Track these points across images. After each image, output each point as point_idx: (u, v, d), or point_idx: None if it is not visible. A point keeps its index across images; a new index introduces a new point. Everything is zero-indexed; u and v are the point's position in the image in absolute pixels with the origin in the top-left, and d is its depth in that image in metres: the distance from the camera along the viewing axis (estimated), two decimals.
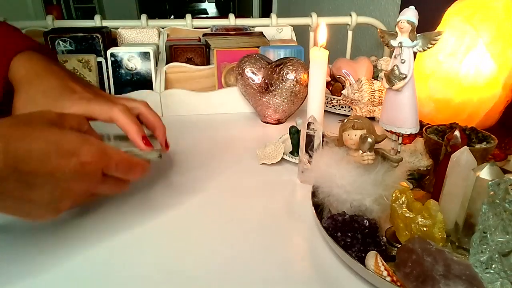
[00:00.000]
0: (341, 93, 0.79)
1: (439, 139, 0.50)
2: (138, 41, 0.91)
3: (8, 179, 0.32)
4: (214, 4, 8.93)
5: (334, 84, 0.87)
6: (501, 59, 0.61)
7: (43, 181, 0.35)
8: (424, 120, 0.66)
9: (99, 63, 0.79)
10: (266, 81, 0.73)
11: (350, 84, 0.78)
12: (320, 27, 0.55)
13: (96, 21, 0.96)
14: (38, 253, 0.41)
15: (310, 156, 0.52)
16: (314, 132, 0.52)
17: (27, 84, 0.46)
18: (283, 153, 0.60)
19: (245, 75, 0.75)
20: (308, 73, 0.61)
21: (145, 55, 0.79)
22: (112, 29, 0.90)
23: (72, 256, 0.41)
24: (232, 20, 1.02)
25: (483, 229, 0.35)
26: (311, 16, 1.06)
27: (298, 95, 0.73)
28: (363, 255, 0.38)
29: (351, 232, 0.39)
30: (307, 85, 0.62)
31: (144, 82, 0.80)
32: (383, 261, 0.36)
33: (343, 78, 0.86)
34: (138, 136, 0.47)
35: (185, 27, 1.00)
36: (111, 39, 0.87)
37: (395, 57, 0.48)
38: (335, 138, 0.48)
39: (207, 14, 7.67)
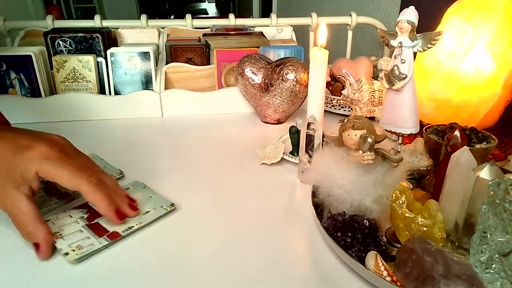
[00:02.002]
0: (341, 93, 0.79)
1: (439, 139, 0.50)
2: (138, 41, 0.91)
3: None
4: (214, 4, 8.94)
5: (334, 84, 0.87)
6: (501, 59, 0.61)
7: None
8: (424, 120, 0.66)
9: (99, 63, 0.79)
10: (266, 81, 0.73)
11: (350, 84, 0.78)
12: (320, 27, 0.55)
13: (96, 21, 0.96)
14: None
15: (310, 156, 0.52)
16: (314, 132, 0.52)
17: None
18: (283, 153, 0.60)
19: (245, 75, 0.75)
20: (308, 73, 0.61)
21: (145, 55, 0.79)
22: (112, 29, 0.90)
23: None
24: (232, 20, 1.02)
25: (483, 229, 0.35)
26: (311, 16, 1.06)
27: (298, 95, 0.73)
28: (363, 255, 0.38)
29: (351, 232, 0.39)
30: (307, 85, 0.62)
31: (144, 82, 0.80)
32: (383, 261, 0.36)
33: (343, 78, 0.86)
34: (109, 210, 0.43)
35: (185, 27, 1.00)
36: (111, 39, 0.87)
37: (395, 57, 0.48)
38: (335, 138, 0.48)
39: (207, 14, 7.67)
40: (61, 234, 0.43)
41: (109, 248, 0.42)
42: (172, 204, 0.49)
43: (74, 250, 0.41)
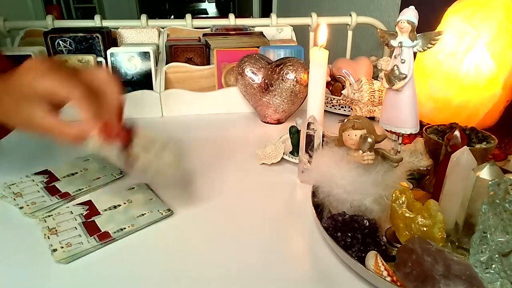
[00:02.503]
0: (341, 93, 0.79)
1: (439, 139, 0.50)
2: (138, 41, 0.91)
3: None
4: (214, 4, 8.93)
5: (334, 84, 0.87)
6: (501, 59, 0.61)
7: None
8: (424, 120, 0.66)
9: (99, 63, 0.79)
10: (266, 81, 0.73)
11: (350, 84, 0.78)
12: (321, 27, 0.55)
13: (96, 21, 0.96)
14: (37, 254, 0.41)
15: (310, 156, 0.52)
16: (314, 132, 0.52)
17: None
18: (283, 153, 0.60)
19: (245, 75, 0.75)
20: (308, 73, 0.61)
21: (145, 55, 0.79)
22: (112, 29, 0.89)
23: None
24: (232, 20, 1.02)
25: (483, 229, 0.35)
26: (311, 16, 1.06)
27: (298, 95, 0.73)
28: (363, 255, 0.38)
29: (351, 232, 0.39)
30: (307, 85, 0.62)
31: (144, 82, 0.80)
32: (383, 261, 0.36)
33: (343, 78, 0.86)
34: (93, 124, 0.41)
35: (185, 27, 1.00)
36: (111, 39, 0.87)
37: (395, 57, 0.48)
38: (335, 138, 0.48)
39: (207, 14, 7.67)
40: (56, 230, 0.44)
41: (99, 250, 0.42)
42: (169, 209, 0.48)
43: (62, 247, 0.41)
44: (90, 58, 0.77)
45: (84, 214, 0.47)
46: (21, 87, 0.41)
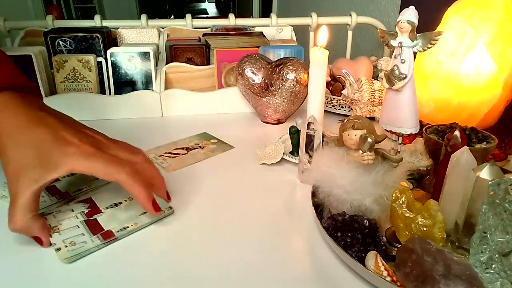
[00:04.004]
0: (341, 93, 0.79)
1: (439, 139, 0.50)
2: (138, 41, 0.91)
3: None
4: (214, 4, 8.94)
5: (334, 84, 0.87)
6: (501, 59, 0.61)
7: None
8: (424, 120, 0.66)
9: (99, 63, 0.79)
10: (266, 81, 0.73)
11: (350, 84, 0.78)
12: (321, 30, 0.55)
13: (96, 21, 0.96)
14: (38, 255, 0.41)
15: (310, 156, 0.52)
16: (314, 132, 0.52)
17: (10, 140, 0.40)
18: (283, 153, 0.60)
19: (245, 75, 0.75)
20: (308, 73, 0.61)
21: (145, 55, 0.79)
22: (112, 29, 0.90)
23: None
24: (232, 20, 1.02)
25: (483, 229, 0.35)
26: (311, 16, 1.06)
27: (298, 95, 0.73)
28: (363, 255, 0.38)
29: (351, 232, 0.39)
30: (307, 85, 0.62)
31: (144, 82, 0.80)
32: (383, 261, 0.36)
33: (343, 78, 0.86)
34: (148, 202, 0.43)
35: (185, 27, 1.00)
36: (111, 39, 0.87)
37: (395, 57, 0.48)
38: (335, 138, 0.48)
39: (207, 14, 7.67)
40: (58, 228, 0.44)
41: (108, 249, 0.42)
42: (170, 207, 0.49)
43: (66, 246, 0.41)
44: (90, 58, 0.77)
45: (85, 212, 0.47)
46: (53, 155, 0.39)
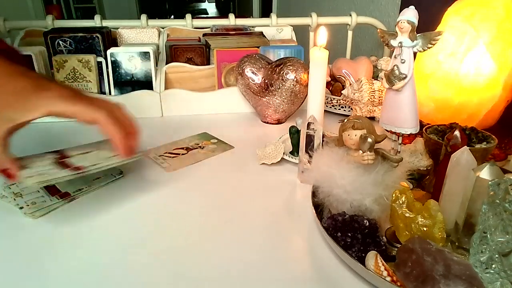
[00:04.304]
0: (341, 93, 0.79)
1: (439, 139, 0.50)
2: (138, 41, 0.91)
3: None
4: (214, 4, 8.94)
5: (334, 84, 0.87)
6: (501, 59, 0.61)
7: None
8: (424, 120, 0.66)
9: (99, 63, 0.79)
10: (266, 81, 0.73)
11: (350, 84, 0.78)
12: (320, 31, 0.55)
13: (96, 21, 0.96)
14: (41, 255, 0.41)
15: (310, 156, 0.52)
16: (314, 132, 0.52)
17: None
18: (283, 153, 0.60)
19: (245, 75, 0.75)
20: (308, 73, 0.61)
21: (145, 55, 0.79)
22: (112, 29, 0.90)
23: (72, 258, 0.41)
24: (232, 20, 1.02)
25: (483, 229, 0.35)
26: (311, 16, 1.06)
27: (298, 95, 0.73)
28: (363, 255, 0.38)
29: (351, 232, 0.39)
30: (307, 85, 0.62)
31: (144, 82, 0.80)
32: (383, 261, 0.36)
33: (343, 78, 0.86)
34: (121, 142, 0.47)
35: (185, 27, 1.00)
36: (111, 39, 0.87)
37: (395, 57, 0.48)
38: (335, 138, 0.48)
39: (207, 14, 7.66)
40: (21, 195, 0.50)
41: (108, 249, 0.42)
42: (121, 172, 0.55)
43: (28, 205, 0.47)
44: (90, 58, 0.77)
45: (56, 157, 0.51)
46: (32, 99, 0.43)
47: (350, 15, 1.08)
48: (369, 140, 0.42)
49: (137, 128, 0.51)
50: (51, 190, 0.51)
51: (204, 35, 0.88)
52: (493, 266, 0.34)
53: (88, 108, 0.44)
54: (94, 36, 0.80)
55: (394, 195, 0.41)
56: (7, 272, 0.39)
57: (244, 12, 4.76)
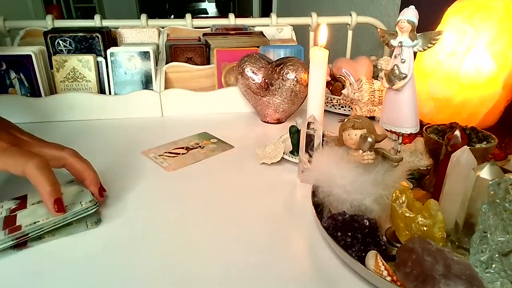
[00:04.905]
0: (341, 93, 0.79)
1: (439, 138, 0.50)
2: (138, 40, 0.91)
3: None
4: (214, 3, 8.93)
5: (334, 84, 0.87)
6: (501, 59, 0.61)
7: None
8: (424, 119, 0.66)
9: (99, 63, 0.79)
10: (266, 80, 0.73)
11: (350, 83, 0.78)
12: (321, 28, 0.55)
13: (96, 21, 0.96)
14: (43, 257, 0.41)
15: (310, 156, 0.52)
16: (314, 132, 0.52)
17: None
18: (283, 153, 0.60)
19: (245, 75, 0.75)
20: (308, 72, 0.61)
21: (145, 55, 0.79)
22: (112, 29, 0.89)
23: (73, 257, 0.41)
24: (232, 20, 1.02)
25: (483, 229, 0.35)
26: (311, 16, 1.06)
27: (298, 95, 0.73)
28: (363, 254, 0.38)
29: (351, 232, 0.39)
30: (307, 85, 0.62)
31: (144, 82, 0.80)
32: (383, 261, 0.36)
33: (343, 77, 0.86)
34: (50, 199, 0.42)
35: (185, 26, 1.00)
36: (111, 38, 0.87)
37: (395, 57, 0.48)
38: (335, 137, 0.48)
39: (207, 13, 7.66)
40: None
41: (108, 248, 0.42)
42: (93, 201, 0.45)
43: None
44: (90, 58, 0.77)
45: (11, 208, 0.45)
46: None
47: (350, 15, 1.08)
48: (369, 139, 0.42)
49: (94, 174, 0.48)
50: (9, 221, 0.43)
51: (204, 34, 0.88)
52: (493, 265, 0.34)
53: (17, 160, 0.41)
54: (94, 36, 0.80)
55: (394, 194, 0.41)
56: None
57: (244, 12, 4.75)
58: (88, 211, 0.44)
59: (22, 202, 0.46)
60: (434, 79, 0.65)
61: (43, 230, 0.42)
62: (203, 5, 9.05)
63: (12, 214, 0.44)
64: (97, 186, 0.48)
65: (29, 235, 0.41)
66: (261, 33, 0.90)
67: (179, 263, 0.40)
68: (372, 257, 0.36)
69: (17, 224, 0.42)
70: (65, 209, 0.43)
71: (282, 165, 0.61)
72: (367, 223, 0.40)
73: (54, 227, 0.43)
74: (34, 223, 0.42)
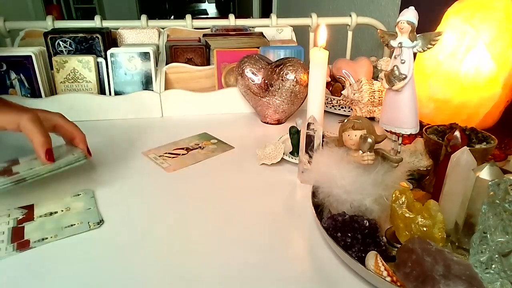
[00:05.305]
0: (341, 94, 0.79)
1: (439, 139, 0.50)
2: (138, 41, 0.91)
3: None
4: (214, 4, 8.93)
5: (334, 85, 0.87)
6: (501, 59, 0.61)
7: None
8: (424, 120, 0.66)
9: (99, 64, 0.79)
10: (266, 81, 0.73)
11: (350, 84, 0.78)
12: (320, 29, 0.55)
13: (96, 22, 0.96)
14: (45, 257, 0.41)
15: (310, 156, 0.52)
16: (314, 132, 0.52)
17: None
18: (283, 153, 0.60)
19: (245, 76, 0.75)
20: (308, 73, 0.61)
21: (145, 56, 0.79)
22: (112, 30, 0.90)
23: (74, 258, 0.41)
24: (232, 21, 1.02)
25: (483, 229, 0.35)
26: (311, 17, 1.06)
27: (298, 96, 0.73)
28: (363, 255, 0.38)
29: (351, 232, 0.39)
30: (307, 86, 0.62)
31: (144, 82, 0.80)
32: (383, 261, 0.36)
33: (343, 78, 0.86)
34: (42, 148, 0.45)
35: (185, 27, 1.00)
36: (111, 39, 0.87)
37: (395, 58, 0.48)
38: (335, 138, 0.48)
39: (207, 14, 7.66)
40: None
41: (107, 248, 0.42)
42: (100, 221, 0.46)
43: None
44: (90, 58, 0.77)
45: (19, 219, 0.45)
46: None
47: (350, 16, 1.08)
48: (369, 140, 0.42)
49: (82, 135, 0.52)
50: (16, 233, 0.44)
51: (204, 35, 0.88)
52: (493, 266, 0.34)
53: (11, 114, 0.44)
54: (94, 36, 0.80)
55: (394, 195, 0.41)
56: None
57: (244, 12, 4.76)
58: (80, 160, 0.48)
59: (29, 213, 0.47)
60: (434, 80, 0.65)
61: (38, 176, 0.44)
62: (203, 5, 9.04)
63: (20, 226, 0.45)
64: (85, 144, 0.52)
65: (26, 179, 0.43)
66: (261, 34, 0.90)
67: (179, 263, 0.40)
68: (372, 257, 0.36)
69: (25, 238, 0.43)
70: (54, 159, 0.47)
71: (282, 165, 0.61)
72: (367, 224, 0.40)
73: (49, 173, 0.46)
74: (30, 169, 0.45)
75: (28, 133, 0.44)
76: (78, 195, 0.51)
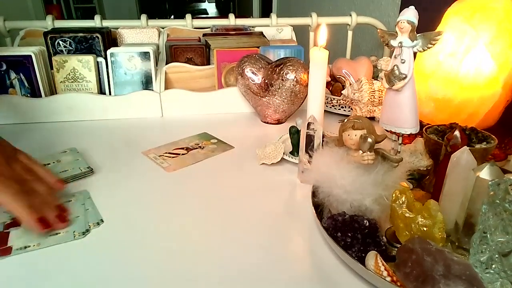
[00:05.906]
0: (341, 93, 0.79)
1: (439, 139, 0.50)
2: (138, 41, 0.91)
3: None
4: (214, 4, 8.93)
5: (334, 84, 0.87)
6: (501, 59, 0.61)
7: None
8: (424, 120, 0.66)
9: (99, 63, 0.79)
10: (266, 81, 0.73)
11: (350, 84, 0.78)
12: (321, 28, 0.55)
13: (96, 21, 0.96)
14: (43, 257, 0.41)
15: (310, 156, 0.52)
16: (314, 132, 0.52)
17: None
18: (283, 153, 0.60)
19: (245, 75, 0.75)
20: (308, 73, 0.61)
21: (145, 55, 0.79)
22: (112, 29, 0.90)
23: (73, 257, 0.41)
24: (232, 20, 1.02)
25: (483, 229, 0.35)
26: (311, 16, 1.06)
27: (298, 95, 0.73)
28: (363, 255, 0.38)
29: (351, 232, 0.39)
30: (307, 85, 0.62)
31: (144, 82, 0.80)
32: (383, 261, 0.36)
33: (343, 78, 0.86)
34: (30, 222, 0.42)
35: (185, 27, 1.00)
36: (111, 39, 0.87)
37: (395, 57, 0.48)
38: (335, 138, 0.48)
39: (207, 14, 7.66)
40: None
41: (107, 248, 0.42)
42: (99, 222, 0.46)
43: None
44: (90, 58, 0.77)
45: (6, 223, 0.45)
46: None
47: (350, 15, 1.08)
48: (369, 140, 0.42)
49: (54, 203, 0.47)
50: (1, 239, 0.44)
51: (204, 35, 0.88)
52: (493, 266, 0.34)
53: None
54: (94, 36, 0.80)
55: (394, 195, 0.41)
56: None
57: (244, 12, 4.75)
58: (86, 175, 0.49)
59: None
60: (434, 80, 0.65)
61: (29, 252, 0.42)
62: (203, 5, 9.04)
63: (5, 231, 0.44)
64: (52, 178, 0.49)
65: (13, 255, 0.41)
66: (261, 34, 0.90)
67: (179, 263, 0.40)
68: (372, 257, 0.36)
69: (8, 244, 0.42)
70: (51, 225, 0.44)
71: (282, 165, 0.61)
72: (367, 224, 0.40)
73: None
74: (25, 247, 0.42)
75: (10, 211, 0.42)
76: (70, 201, 0.50)
